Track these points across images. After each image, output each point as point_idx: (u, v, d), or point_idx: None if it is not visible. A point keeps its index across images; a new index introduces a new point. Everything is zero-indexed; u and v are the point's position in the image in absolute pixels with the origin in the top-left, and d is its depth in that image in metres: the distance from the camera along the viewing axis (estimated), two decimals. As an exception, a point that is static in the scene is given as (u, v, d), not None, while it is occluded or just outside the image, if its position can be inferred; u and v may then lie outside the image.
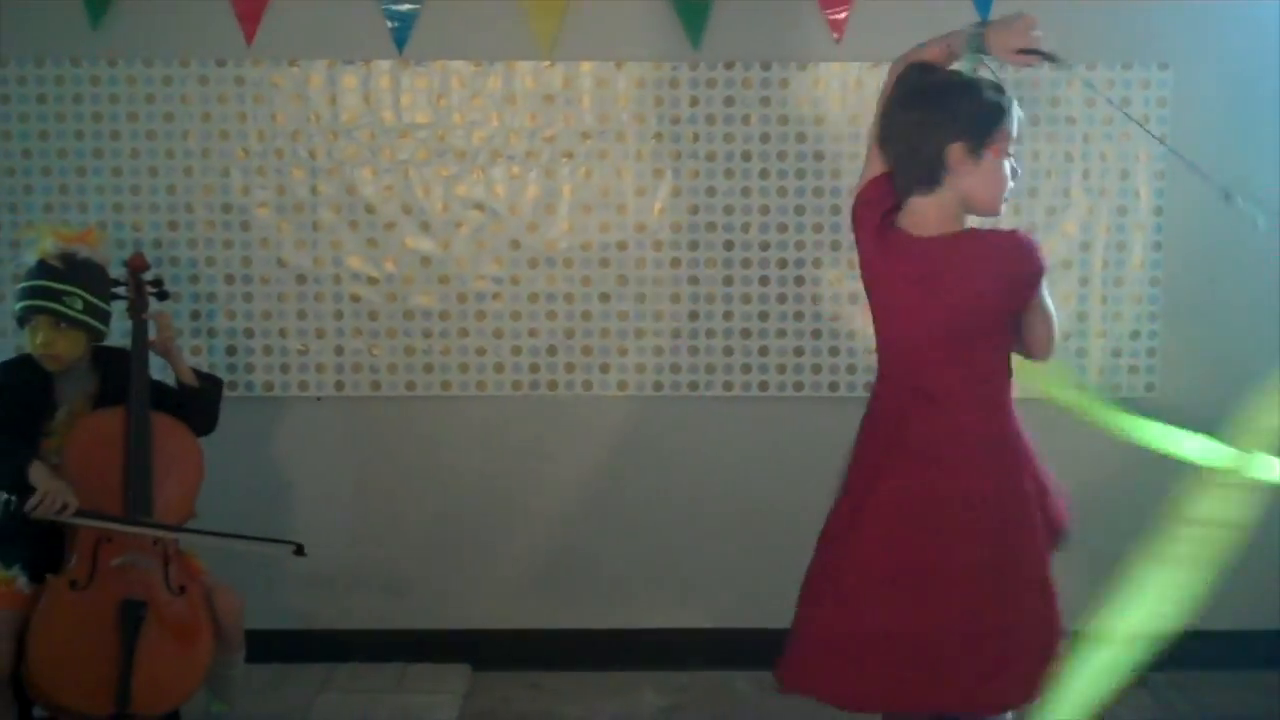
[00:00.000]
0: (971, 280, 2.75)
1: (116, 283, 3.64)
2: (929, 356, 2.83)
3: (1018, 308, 2.78)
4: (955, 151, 2.74)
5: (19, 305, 3.45)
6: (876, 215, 2.86)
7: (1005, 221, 4.05)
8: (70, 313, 3.44)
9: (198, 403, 3.65)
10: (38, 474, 3.29)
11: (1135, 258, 4.20)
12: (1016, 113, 2.79)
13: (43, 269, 3.45)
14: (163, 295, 3.72)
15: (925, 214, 2.79)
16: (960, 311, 2.77)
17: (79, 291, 3.48)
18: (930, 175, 2.77)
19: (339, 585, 4.33)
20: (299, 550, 3.54)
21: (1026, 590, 2.78)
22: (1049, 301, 2.80)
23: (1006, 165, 2.78)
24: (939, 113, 2.76)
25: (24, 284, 3.45)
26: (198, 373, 3.70)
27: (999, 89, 2.79)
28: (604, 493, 4.32)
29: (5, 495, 3.37)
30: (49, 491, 3.27)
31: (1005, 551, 2.78)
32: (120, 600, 3.31)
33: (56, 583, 3.30)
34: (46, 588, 3.30)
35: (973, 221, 2.83)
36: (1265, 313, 4.25)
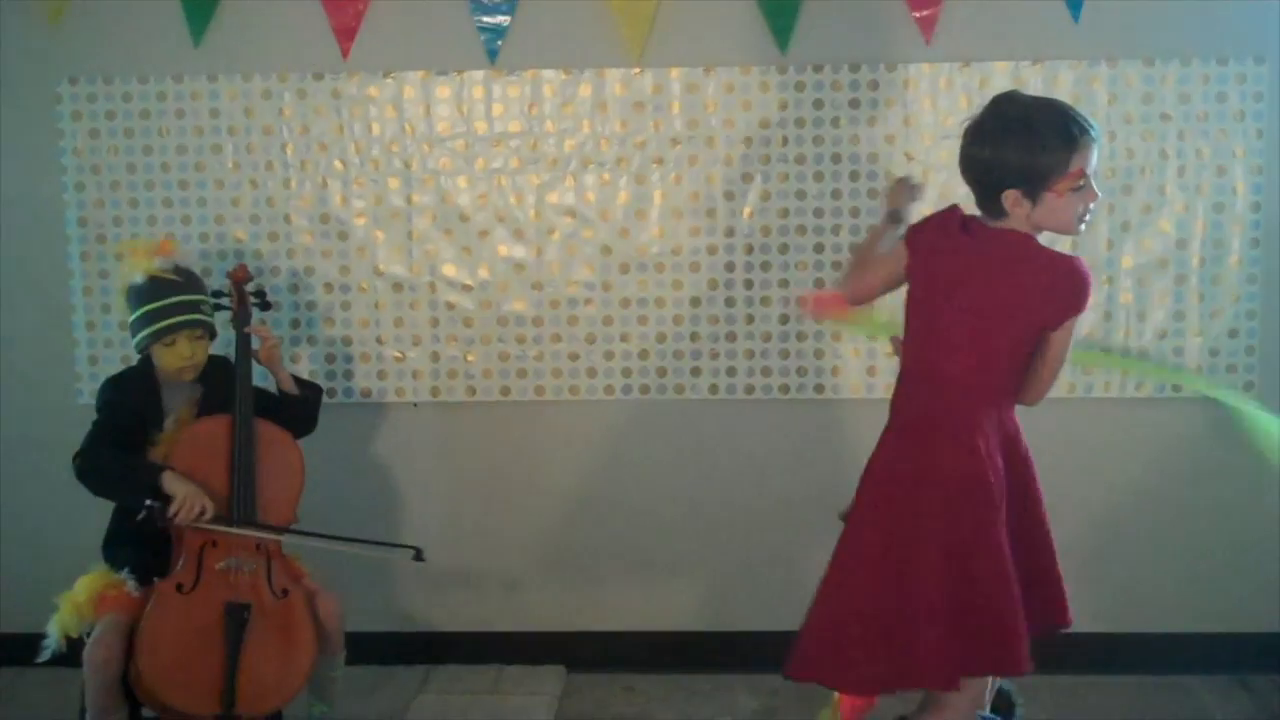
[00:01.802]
0: (1012, 277, 2.88)
1: (220, 293, 3.74)
2: (947, 338, 2.95)
3: (1041, 327, 2.88)
4: (1010, 197, 2.86)
5: (159, 326, 3.50)
6: (954, 214, 3.03)
7: (1101, 220, 4.10)
8: (210, 320, 3.59)
9: (299, 409, 3.73)
10: (173, 482, 3.37)
11: (1233, 255, 4.13)
12: (1095, 141, 2.84)
13: (164, 284, 3.53)
14: (265, 305, 3.82)
15: (1002, 223, 2.94)
16: (987, 301, 2.90)
17: (205, 298, 3.61)
18: (997, 210, 2.91)
19: (437, 588, 4.39)
20: (418, 555, 3.63)
21: (984, 577, 2.89)
22: (1067, 350, 2.91)
23: (1072, 198, 2.84)
24: (995, 157, 2.86)
25: (153, 305, 3.51)
26: (299, 380, 3.79)
27: (1070, 126, 2.82)
28: (698, 496, 4.34)
29: (147, 501, 3.39)
30: (188, 497, 3.36)
31: (967, 536, 2.89)
32: (225, 603, 3.40)
33: (164, 586, 3.40)
34: (154, 591, 3.40)
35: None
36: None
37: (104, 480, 3.42)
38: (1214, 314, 4.16)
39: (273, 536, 3.52)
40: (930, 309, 3.00)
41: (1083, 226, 2.92)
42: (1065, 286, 2.85)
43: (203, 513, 3.37)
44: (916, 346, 3.05)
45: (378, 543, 3.63)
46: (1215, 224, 4.13)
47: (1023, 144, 2.82)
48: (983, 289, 2.91)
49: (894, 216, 3.26)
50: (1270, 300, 4.15)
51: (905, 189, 3.32)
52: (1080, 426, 4.18)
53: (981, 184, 2.92)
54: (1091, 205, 2.89)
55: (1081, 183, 2.83)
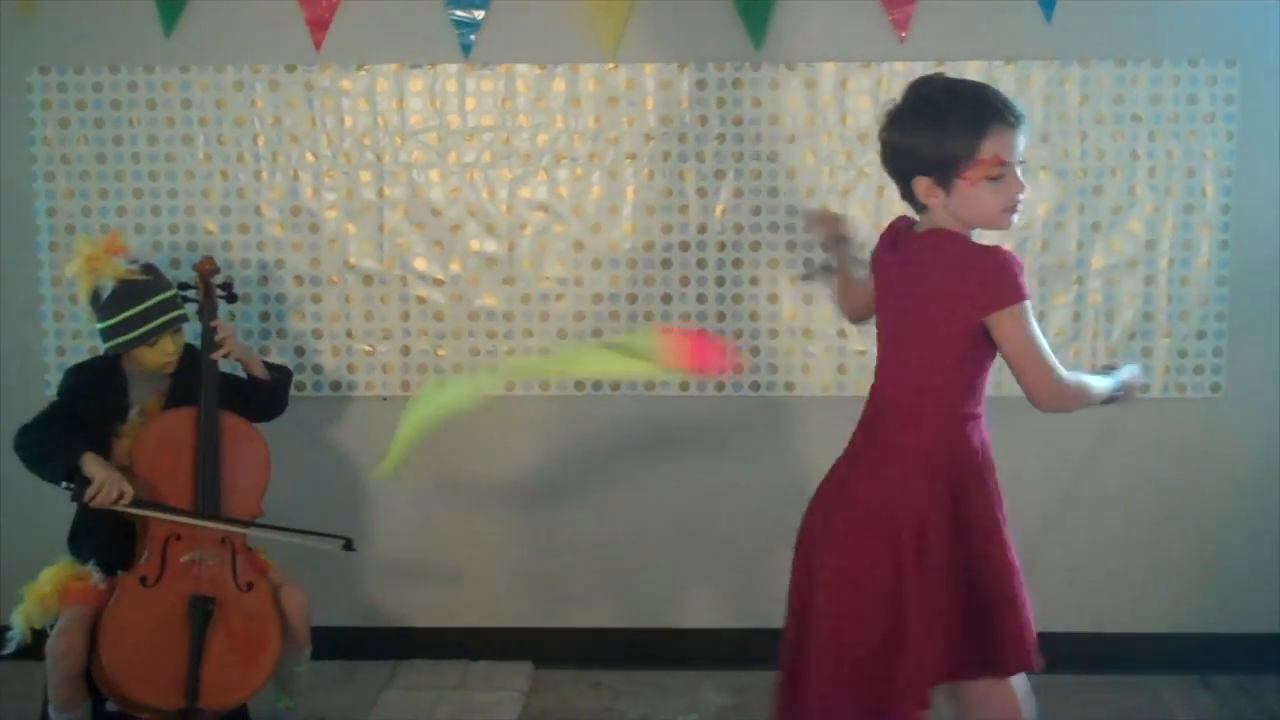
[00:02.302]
0: (929, 277, 2.73)
1: (186, 285, 3.72)
2: (885, 356, 2.86)
3: (973, 322, 2.66)
4: (921, 185, 2.71)
5: (144, 329, 3.46)
6: (893, 226, 2.91)
7: (1071, 220, 4.10)
8: (186, 314, 3.57)
9: (269, 391, 3.73)
10: (91, 465, 3.33)
11: (1202, 257, 4.15)
12: (1014, 127, 2.66)
13: (139, 287, 3.48)
14: (232, 298, 3.81)
15: (929, 222, 2.79)
16: (912, 308, 2.76)
17: (176, 291, 3.60)
18: (914, 201, 2.78)
19: (404, 583, 4.38)
20: (348, 545, 3.62)
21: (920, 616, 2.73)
22: (1034, 343, 2.65)
23: (988, 187, 2.65)
24: (904, 142, 2.72)
25: (134, 310, 3.45)
26: (267, 364, 3.77)
27: (983, 110, 2.66)
28: (667, 492, 4.34)
29: (67, 486, 3.37)
30: (105, 481, 3.31)
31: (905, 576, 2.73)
32: (190, 596, 3.39)
33: (128, 579, 3.39)
34: (118, 584, 3.39)
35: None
36: (1335, 312, 4.20)
37: (32, 455, 3.40)
38: (1183, 315, 4.17)
39: (199, 524, 3.47)
40: (879, 326, 2.91)
41: (1012, 219, 2.71)
42: (981, 274, 2.64)
43: (120, 497, 3.33)
44: (878, 361, 2.93)
45: (307, 532, 3.59)
46: (1185, 225, 4.14)
47: (929, 127, 2.66)
48: (902, 296, 2.79)
49: (826, 265, 3.23)
50: (1239, 302, 4.17)
51: (826, 225, 3.20)
52: (1047, 431, 4.18)
53: (897, 172, 2.76)
54: (1019, 196, 2.69)
55: (997, 172, 2.63)
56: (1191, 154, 4.13)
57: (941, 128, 2.65)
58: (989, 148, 2.63)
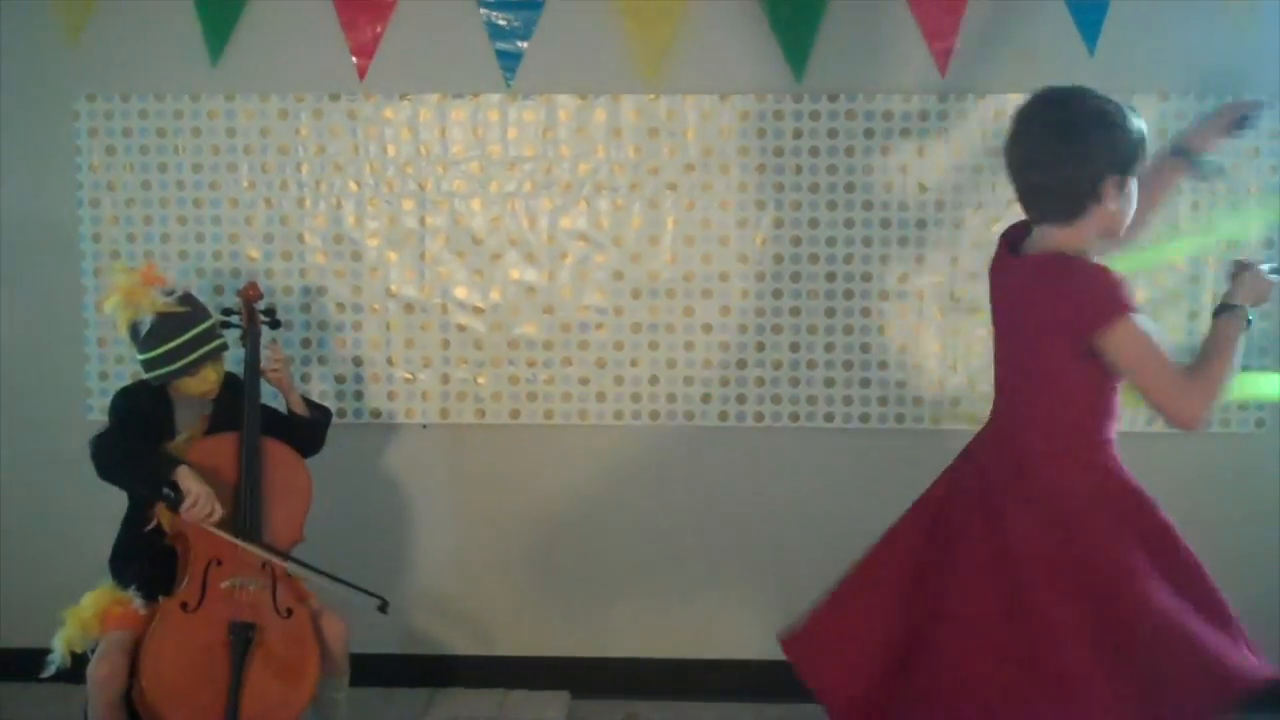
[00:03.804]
0: (1038, 299, 2.76)
1: (230, 311, 3.75)
2: (1005, 383, 2.87)
3: (1084, 339, 2.67)
4: (1110, 184, 2.73)
5: (187, 361, 3.48)
6: (1004, 245, 2.91)
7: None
8: (226, 342, 3.60)
9: (307, 431, 3.74)
10: (188, 478, 3.36)
11: (1246, 291, 4.12)
12: None
13: (178, 319, 3.50)
14: (275, 324, 3.82)
15: (1054, 240, 2.78)
16: (1026, 333, 2.79)
17: (215, 319, 3.62)
18: (1076, 207, 2.75)
19: (443, 610, 4.39)
20: (383, 607, 3.60)
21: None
22: (1151, 358, 2.65)
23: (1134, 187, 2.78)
24: (1096, 145, 2.72)
25: (175, 342, 3.47)
26: (308, 402, 3.79)
27: (1137, 116, 2.76)
28: (705, 523, 4.33)
29: (167, 494, 3.38)
30: (200, 495, 3.35)
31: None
32: (230, 622, 3.40)
33: (169, 604, 3.40)
34: (159, 609, 3.40)
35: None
36: (1381, 348, 4.17)
37: (119, 462, 3.41)
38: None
39: (260, 553, 3.48)
40: (997, 357, 2.97)
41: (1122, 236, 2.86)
42: (1087, 298, 2.67)
43: (211, 514, 3.36)
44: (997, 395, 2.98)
45: (348, 584, 3.57)
46: (1228, 260, 4.10)
47: (1116, 126, 2.71)
48: (1015, 330, 2.85)
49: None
50: (1282, 338, 4.15)
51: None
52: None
53: (1071, 181, 2.72)
54: None
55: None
56: (1235, 188, 4.11)
57: (1126, 121, 2.72)
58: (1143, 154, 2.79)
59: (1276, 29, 4.06)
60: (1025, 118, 2.80)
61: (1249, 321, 2.78)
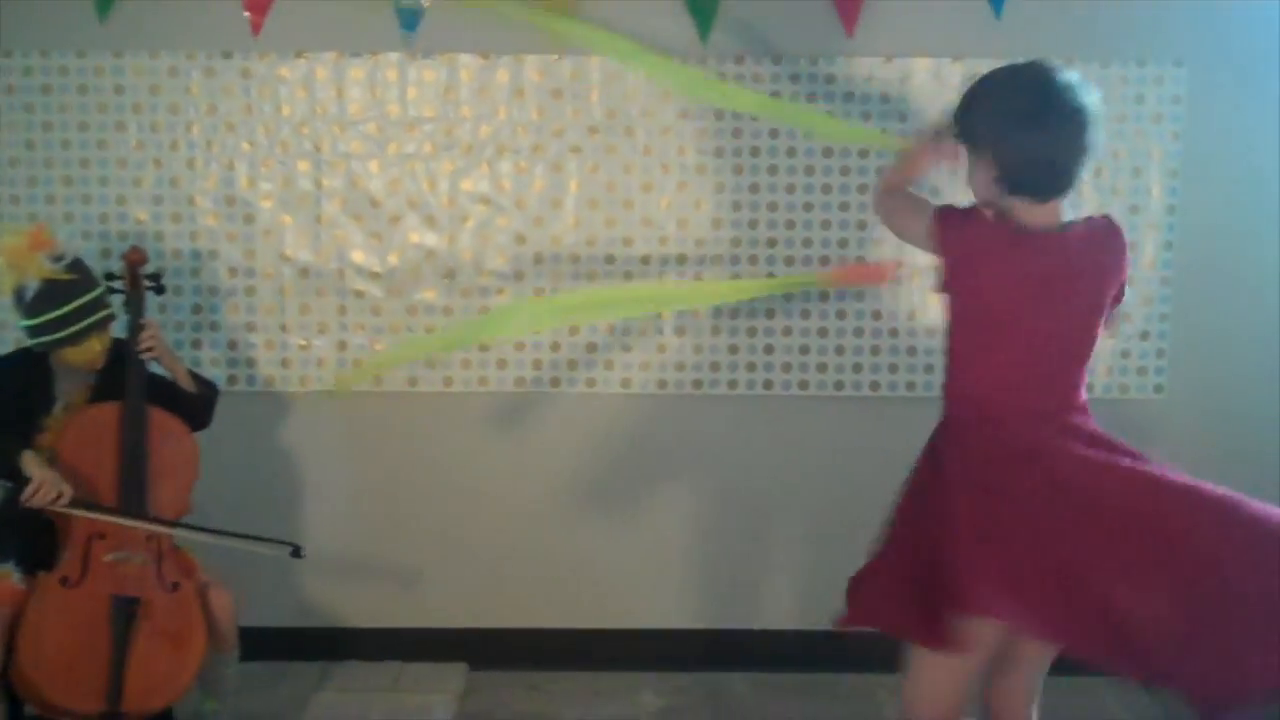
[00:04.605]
0: (1108, 264, 2.82)
1: (113, 276, 3.63)
2: (1043, 368, 2.78)
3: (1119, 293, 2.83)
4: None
5: (70, 331, 3.37)
6: (999, 226, 2.76)
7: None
8: (113, 312, 3.48)
9: (193, 405, 3.63)
10: (30, 464, 3.28)
11: (1146, 257, 4.13)
12: None
13: (64, 287, 3.38)
14: (160, 289, 3.71)
15: (1038, 216, 2.74)
16: (1090, 301, 2.78)
17: (103, 288, 3.50)
18: (1068, 185, 2.75)
19: (337, 582, 4.30)
20: (296, 552, 3.54)
21: None
22: None
23: None
24: (1091, 133, 2.72)
25: (60, 311, 3.35)
26: (195, 376, 3.68)
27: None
28: (605, 491, 4.28)
29: (5, 484, 3.34)
30: (44, 481, 3.25)
31: None
32: (112, 597, 3.31)
33: (48, 579, 3.31)
34: (38, 584, 3.30)
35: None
36: (1275, 315, 4.20)
37: None
38: (1126, 316, 4.15)
39: (142, 526, 3.39)
40: (1024, 342, 2.84)
41: None
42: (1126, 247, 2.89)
43: (59, 497, 3.26)
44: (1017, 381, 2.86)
45: (254, 537, 3.51)
46: (1130, 225, 4.08)
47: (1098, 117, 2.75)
48: (1067, 288, 2.81)
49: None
50: (1183, 303, 4.17)
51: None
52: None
53: (1071, 162, 2.74)
54: None
55: None
56: (1138, 154, 4.11)
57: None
58: None
59: (1180, -6, 4.06)
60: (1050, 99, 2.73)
61: None
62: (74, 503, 3.30)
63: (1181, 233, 4.13)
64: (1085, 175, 2.76)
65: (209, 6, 4.08)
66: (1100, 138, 2.73)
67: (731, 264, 4.15)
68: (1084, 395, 2.80)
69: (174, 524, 3.46)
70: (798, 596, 4.28)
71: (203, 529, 3.48)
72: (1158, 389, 4.20)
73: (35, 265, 3.37)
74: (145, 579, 3.36)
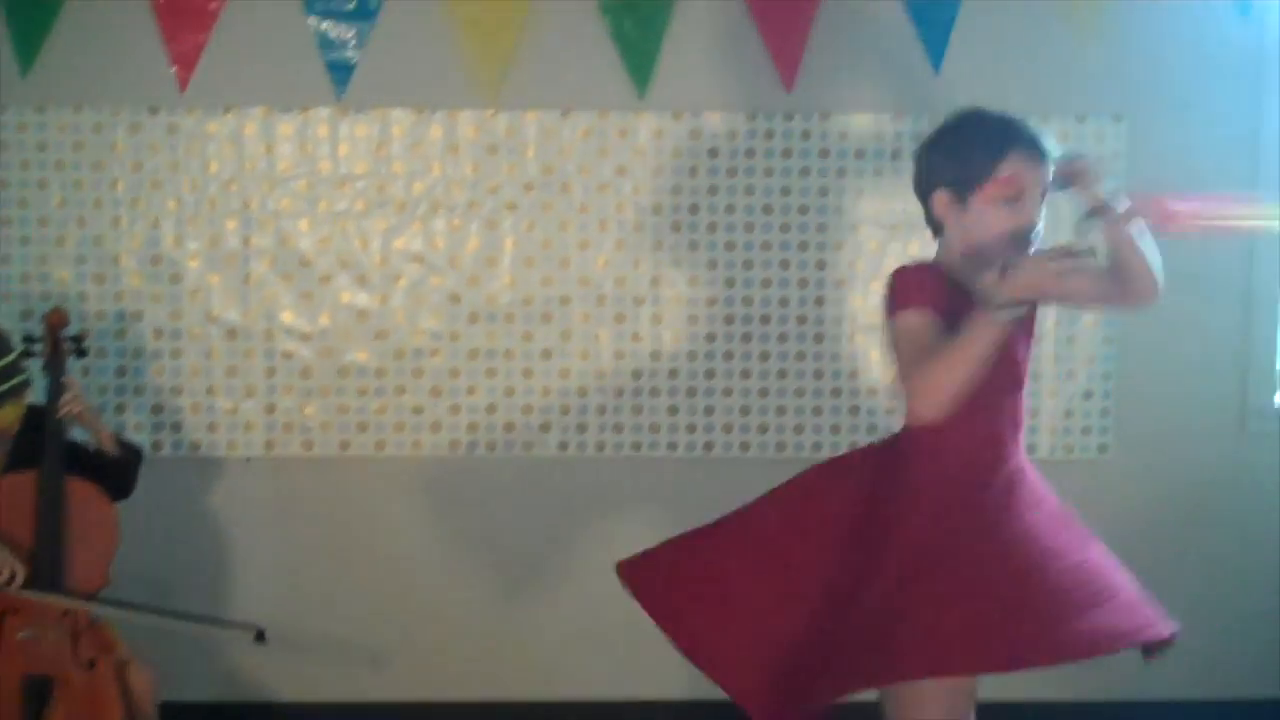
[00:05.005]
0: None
1: (32, 339, 3.51)
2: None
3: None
4: (939, 200, 2.75)
5: None
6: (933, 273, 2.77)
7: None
8: (29, 376, 3.37)
9: (114, 471, 3.50)
10: None
11: (1088, 316, 4.10)
12: (1035, 158, 2.70)
13: None
14: (82, 352, 3.59)
15: (944, 249, 2.80)
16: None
17: (17, 353, 3.38)
18: (933, 224, 2.80)
19: (267, 654, 4.10)
20: (260, 636, 3.42)
21: None
22: (907, 346, 2.67)
23: (1001, 211, 2.68)
24: (928, 160, 2.79)
25: None
26: (119, 439, 3.56)
27: (1006, 132, 2.71)
28: (544, 557, 4.19)
29: None
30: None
31: None
32: (24, 676, 3.19)
33: (-45, 658, 3.18)
34: (-55, 663, 3.17)
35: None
36: (1221, 375, 4.19)
37: None
38: (1069, 375, 4.12)
39: (83, 607, 3.28)
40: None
41: (1010, 250, 2.67)
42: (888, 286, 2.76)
43: (12, 577, 3.15)
44: None
45: (213, 620, 3.40)
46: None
47: (954, 142, 2.75)
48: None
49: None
50: (1126, 363, 4.14)
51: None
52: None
53: (922, 188, 2.80)
54: (1031, 228, 2.70)
55: (1013, 193, 2.67)
56: (1080, 208, 4.07)
57: (966, 142, 2.72)
58: (1007, 168, 2.67)
59: (1118, 45, 4.05)
60: None
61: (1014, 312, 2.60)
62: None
63: (1124, 290, 4.10)
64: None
65: (134, 60, 3.98)
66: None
67: (671, 323, 4.08)
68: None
69: (115, 603, 3.34)
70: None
71: (158, 610, 3.39)
72: (1101, 449, 4.16)
73: None
74: (59, 657, 3.24)
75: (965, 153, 2.72)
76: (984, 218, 2.70)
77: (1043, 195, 2.75)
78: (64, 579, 3.30)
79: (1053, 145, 2.75)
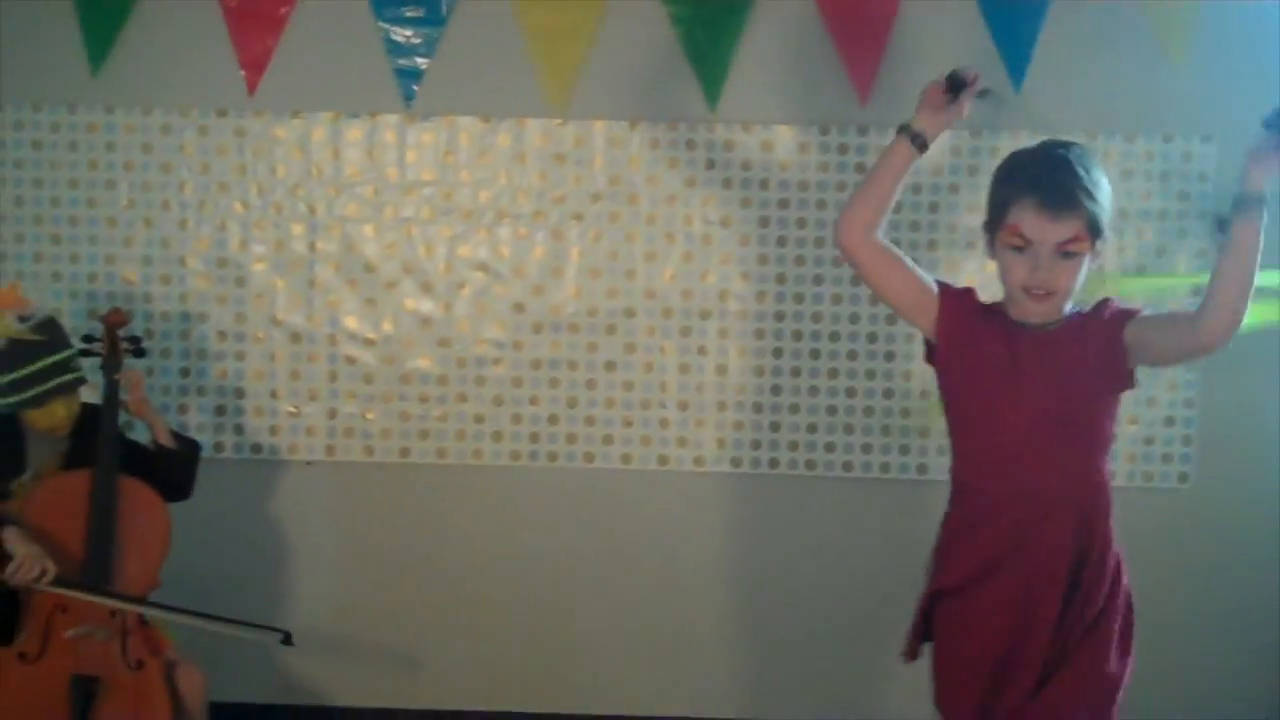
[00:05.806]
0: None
1: (91, 338, 3.50)
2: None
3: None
4: (985, 238, 2.71)
5: (28, 395, 3.27)
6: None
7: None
8: (81, 373, 3.37)
9: (172, 466, 3.48)
10: (12, 538, 3.13)
11: (1172, 341, 3.97)
12: (1038, 206, 2.55)
13: (27, 348, 3.28)
14: (140, 353, 3.58)
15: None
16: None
17: (72, 351, 3.38)
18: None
19: (325, 658, 4.13)
20: (286, 639, 3.37)
21: None
22: None
23: (1009, 258, 2.61)
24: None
25: (20, 373, 3.26)
26: (176, 435, 3.54)
27: (1018, 176, 2.61)
28: (602, 569, 4.13)
29: None
30: (26, 557, 3.11)
31: None
32: (71, 676, 3.16)
33: (4, 655, 3.17)
34: (-6, 658, 3.15)
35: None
36: (1309, 404, 4.04)
37: None
38: (1150, 401, 3.99)
39: (124, 606, 3.25)
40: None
41: (1035, 306, 2.62)
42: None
43: (42, 574, 3.11)
44: None
45: (241, 622, 3.35)
46: (1157, 307, 3.96)
47: (991, 181, 2.70)
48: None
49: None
50: (1209, 390, 4.01)
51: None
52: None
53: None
54: (1039, 285, 2.58)
55: (1018, 243, 2.57)
56: (1165, 232, 3.96)
57: (993, 183, 2.69)
58: (1013, 216, 2.59)
59: (1206, 64, 3.93)
60: None
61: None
62: (60, 582, 3.15)
63: (1208, 314, 3.97)
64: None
65: (204, 63, 3.99)
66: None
67: (738, 338, 4.01)
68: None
69: (161, 606, 3.30)
70: (801, 689, 4.10)
71: (188, 611, 3.31)
72: (1182, 478, 4.02)
73: (1, 324, 3.26)
74: (107, 657, 3.21)
75: (990, 194, 2.68)
76: (1002, 260, 2.65)
77: (1065, 249, 2.58)
78: (112, 579, 3.27)
79: (1087, 199, 2.57)
